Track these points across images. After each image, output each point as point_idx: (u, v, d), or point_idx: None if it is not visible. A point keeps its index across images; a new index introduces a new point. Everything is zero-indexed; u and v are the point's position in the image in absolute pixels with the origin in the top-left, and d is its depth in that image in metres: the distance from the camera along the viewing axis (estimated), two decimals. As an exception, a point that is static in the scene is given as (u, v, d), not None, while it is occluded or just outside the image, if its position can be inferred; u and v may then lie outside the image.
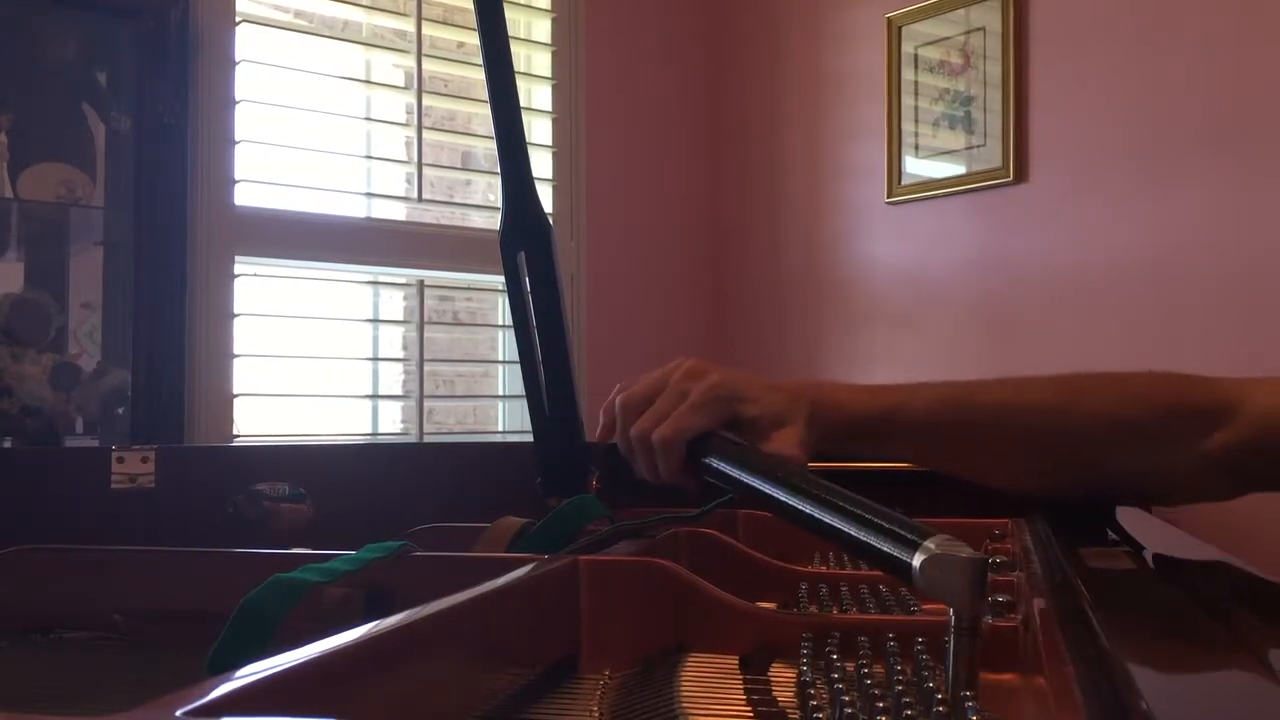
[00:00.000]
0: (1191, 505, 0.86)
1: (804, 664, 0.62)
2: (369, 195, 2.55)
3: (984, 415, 0.84)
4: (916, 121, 2.61)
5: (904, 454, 0.86)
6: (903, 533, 0.58)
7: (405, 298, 2.65)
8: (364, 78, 2.59)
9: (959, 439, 0.84)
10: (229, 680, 0.39)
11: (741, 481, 0.73)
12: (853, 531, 0.62)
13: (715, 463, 0.75)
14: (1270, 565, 0.68)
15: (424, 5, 2.56)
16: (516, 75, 1.05)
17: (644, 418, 0.78)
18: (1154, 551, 0.76)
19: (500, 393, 2.80)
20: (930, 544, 0.55)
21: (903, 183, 2.64)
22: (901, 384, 0.85)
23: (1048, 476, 0.84)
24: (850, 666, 0.61)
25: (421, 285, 2.57)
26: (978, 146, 2.49)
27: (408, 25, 2.57)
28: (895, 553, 0.57)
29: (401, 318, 2.65)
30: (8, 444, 1.97)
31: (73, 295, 2.07)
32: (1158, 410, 0.83)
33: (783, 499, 0.69)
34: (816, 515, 0.66)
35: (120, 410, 2.10)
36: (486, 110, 1.03)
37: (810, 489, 0.67)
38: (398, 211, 2.58)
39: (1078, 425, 0.83)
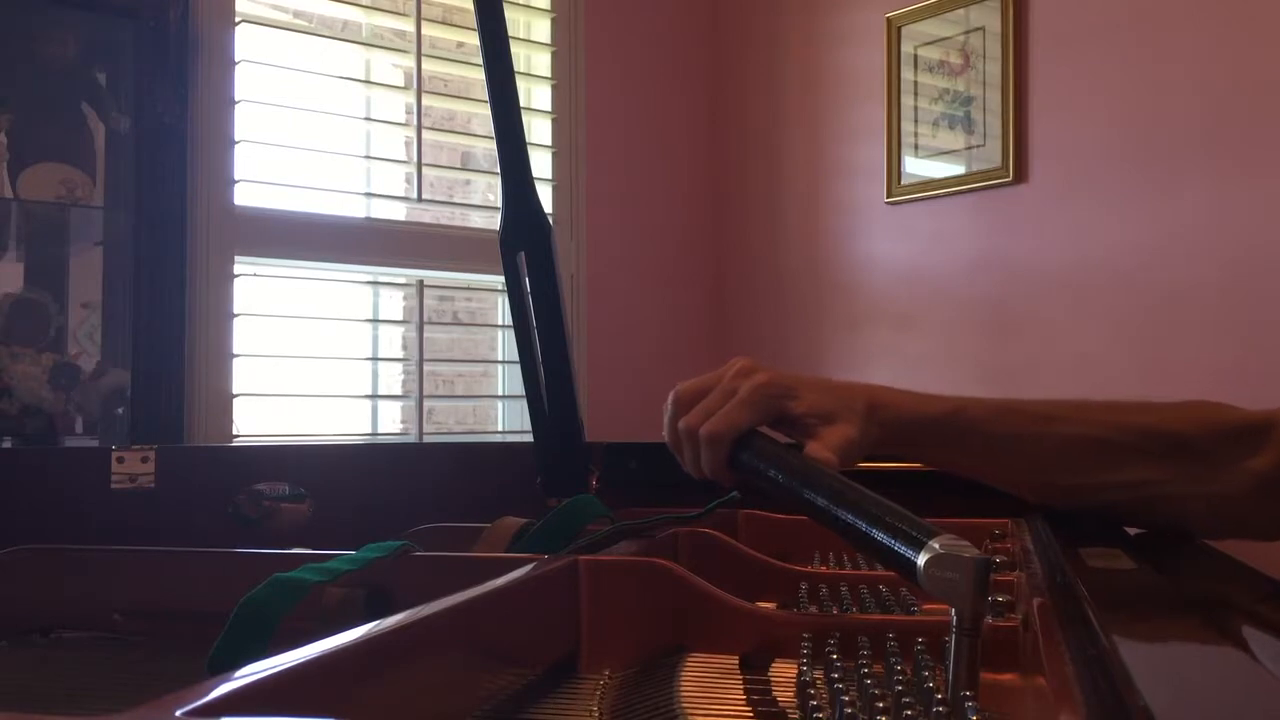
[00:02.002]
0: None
1: (804, 664, 0.62)
2: (369, 195, 2.55)
3: (1040, 425, 0.84)
4: (916, 121, 2.61)
5: (953, 459, 0.87)
6: (909, 530, 0.58)
7: (405, 298, 2.65)
8: (364, 78, 2.59)
9: (1014, 447, 0.85)
10: (229, 680, 0.39)
11: (769, 477, 0.74)
12: (860, 525, 0.62)
13: (751, 459, 0.76)
14: (1271, 563, 0.68)
15: (424, 5, 2.56)
16: (516, 75, 1.05)
17: (692, 413, 0.79)
18: (1154, 550, 0.76)
19: (500, 393, 2.80)
20: (936, 543, 0.55)
21: (902, 183, 2.64)
22: (955, 396, 0.86)
23: (1092, 494, 0.84)
24: (850, 666, 0.61)
25: (421, 285, 2.57)
26: (977, 146, 2.49)
27: (408, 25, 2.57)
28: (901, 549, 0.58)
29: (401, 318, 2.65)
30: (8, 444, 1.97)
31: (73, 295, 2.07)
32: (1204, 427, 0.82)
33: (799, 493, 0.70)
34: (827, 507, 0.66)
35: (120, 410, 2.10)
36: (486, 110, 1.03)
37: (826, 483, 0.68)
38: (397, 211, 2.58)
39: (1127, 438, 0.82)
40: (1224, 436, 0.82)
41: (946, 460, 0.88)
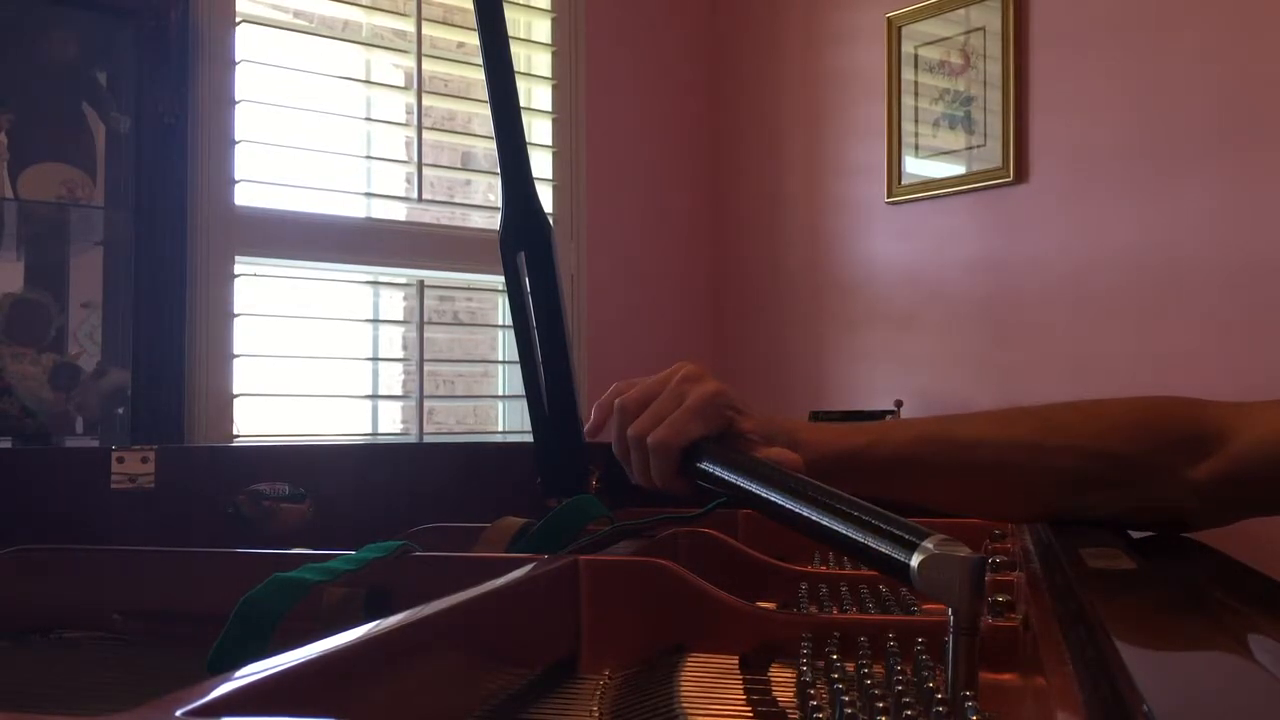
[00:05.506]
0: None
1: (804, 664, 0.62)
2: (369, 195, 2.55)
3: (960, 452, 0.82)
4: (916, 121, 2.61)
5: (879, 491, 0.84)
6: (900, 534, 0.58)
7: (405, 298, 2.65)
8: (364, 78, 2.59)
9: (935, 476, 0.82)
10: (229, 680, 0.39)
11: (738, 486, 0.72)
12: (851, 534, 0.62)
13: (711, 467, 0.75)
14: (1271, 562, 0.68)
15: (424, 5, 2.56)
16: (516, 75, 1.05)
17: (640, 420, 0.77)
18: (1154, 550, 0.76)
19: (500, 393, 2.80)
20: (928, 544, 0.55)
21: (903, 182, 2.64)
22: (878, 423, 0.85)
23: (1031, 510, 0.82)
24: (850, 666, 0.61)
25: (421, 285, 2.57)
26: (978, 146, 2.49)
27: (408, 25, 2.57)
28: (893, 554, 0.57)
29: (401, 318, 2.65)
30: (8, 444, 1.97)
31: (73, 295, 2.07)
32: (1141, 441, 0.79)
33: (781, 503, 0.68)
34: (815, 518, 0.65)
35: (120, 410, 2.10)
36: (486, 110, 1.03)
37: (808, 492, 0.67)
38: (398, 211, 2.58)
39: (1057, 462, 0.79)
40: (1163, 447, 0.78)
41: (875, 492, 0.86)
